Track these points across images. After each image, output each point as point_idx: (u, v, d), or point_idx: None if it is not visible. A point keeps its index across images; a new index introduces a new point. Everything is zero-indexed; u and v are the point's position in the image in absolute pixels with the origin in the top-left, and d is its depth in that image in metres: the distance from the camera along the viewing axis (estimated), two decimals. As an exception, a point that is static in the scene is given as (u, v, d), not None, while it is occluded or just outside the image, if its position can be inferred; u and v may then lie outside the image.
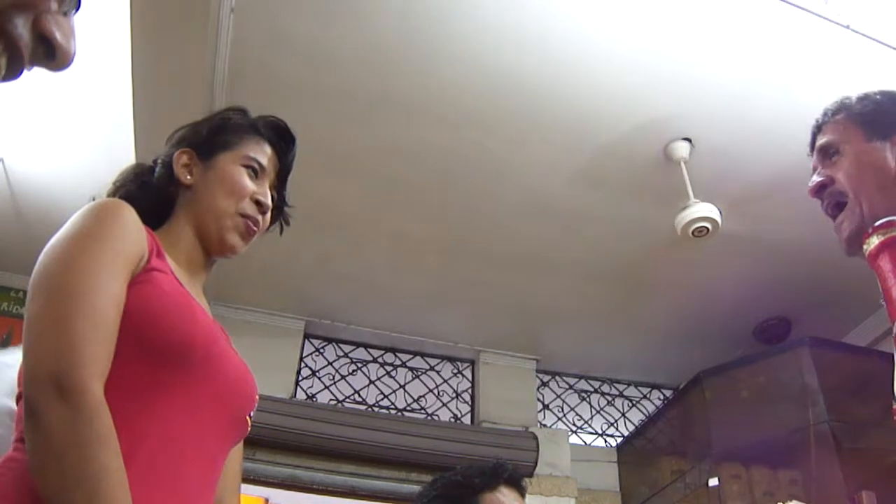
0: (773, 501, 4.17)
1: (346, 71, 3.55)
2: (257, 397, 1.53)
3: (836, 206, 1.60)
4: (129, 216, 1.39)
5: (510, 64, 3.53)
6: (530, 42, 3.43)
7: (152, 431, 1.26)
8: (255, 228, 1.65)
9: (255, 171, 1.66)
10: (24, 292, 4.86)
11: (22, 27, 0.66)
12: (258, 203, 1.64)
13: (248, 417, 1.50)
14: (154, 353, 1.30)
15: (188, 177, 1.62)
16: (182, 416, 1.32)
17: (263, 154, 1.70)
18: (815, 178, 1.65)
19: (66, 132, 3.96)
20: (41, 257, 1.29)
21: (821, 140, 1.68)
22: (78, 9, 0.74)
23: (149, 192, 1.62)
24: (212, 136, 1.67)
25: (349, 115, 3.76)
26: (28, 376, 1.15)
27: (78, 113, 3.86)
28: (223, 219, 1.60)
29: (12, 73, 0.68)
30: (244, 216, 1.61)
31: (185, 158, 1.63)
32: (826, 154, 1.65)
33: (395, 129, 3.86)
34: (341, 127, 3.80)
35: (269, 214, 1.68)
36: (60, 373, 1.13)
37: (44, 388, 1.12)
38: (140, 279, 1.34)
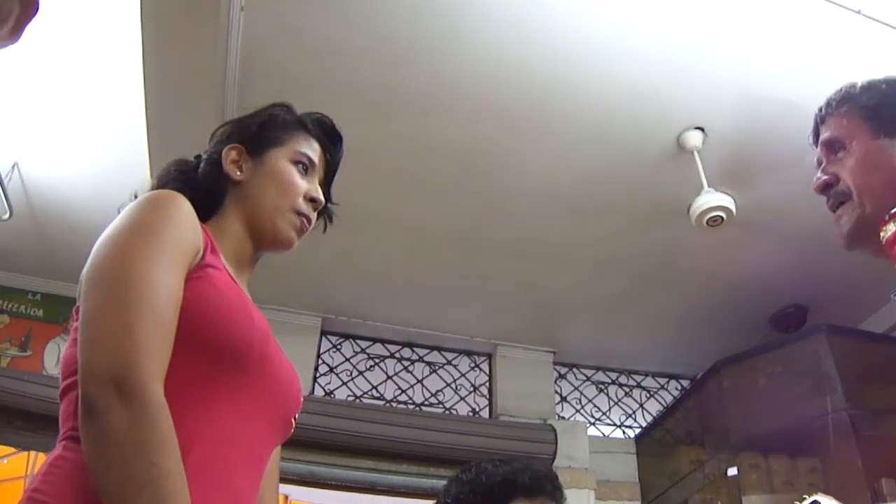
0: (793, 490, 4.17)
1: (358, 67, 3.55)
2: (302, 399, 1.54)
3: (841, 204, 1.58)
4: (186, 208, 1.37)
5: (522, 57, 3.52)
6: (542, 34, 3.43)
7: (205, 432, 1.25)
8: (309, 225, 1.67)
9: (306, 168, 1.68)
10: (42, 295, 4.93)
11: None
12: (312, 200, 1.66)
13: (293, 419, 1.50)
14: (210, 352, 1.29)
15: (238, 173, 1.62)
16: (234, 416, 1.31)
17: (313, 150, 1.72)
18: (821, 176, 1.62)
19: (80, 134, 3.98)
20: (96, 249, 1.28)
21: (825, 134, 1.65)
22: None
23: (194, 189, 1.60)
24: (261, 132, 1.67)
25: (362, 112, 3.76)
26: (87, 374, 1.13)
27: (91, 115, 3.88)
28: (277, 215, 1.60)
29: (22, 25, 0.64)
30: (299, 213, 1.63)
31: (234, 154, 1.63)
32: (831, 149, 1.62)
33: (409, 124, 3.86)
34: (355, 123, 3.79)
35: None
36: (122, 373, 1.11)
37: (105, 388, 1.10)
38: (195, 275, 1.33)
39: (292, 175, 1.64)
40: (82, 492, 1.12)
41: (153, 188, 1.60)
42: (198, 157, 1.70)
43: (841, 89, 1.68)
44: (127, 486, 1.06)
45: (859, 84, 1.68)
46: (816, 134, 1.69)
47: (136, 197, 1.56)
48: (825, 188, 1.61)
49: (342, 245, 4.64)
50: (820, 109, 1.69)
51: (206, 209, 1.60)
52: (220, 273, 1.40)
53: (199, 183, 1.63)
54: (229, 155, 1.63)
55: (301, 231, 1.65)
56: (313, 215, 1.68)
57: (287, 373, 1.47)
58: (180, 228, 1.32)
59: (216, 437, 1.27)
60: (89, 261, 1.27)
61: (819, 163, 1.65)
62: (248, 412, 1.34)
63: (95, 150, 4.02)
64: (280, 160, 1.65)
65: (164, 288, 1.23)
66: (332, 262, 4.80)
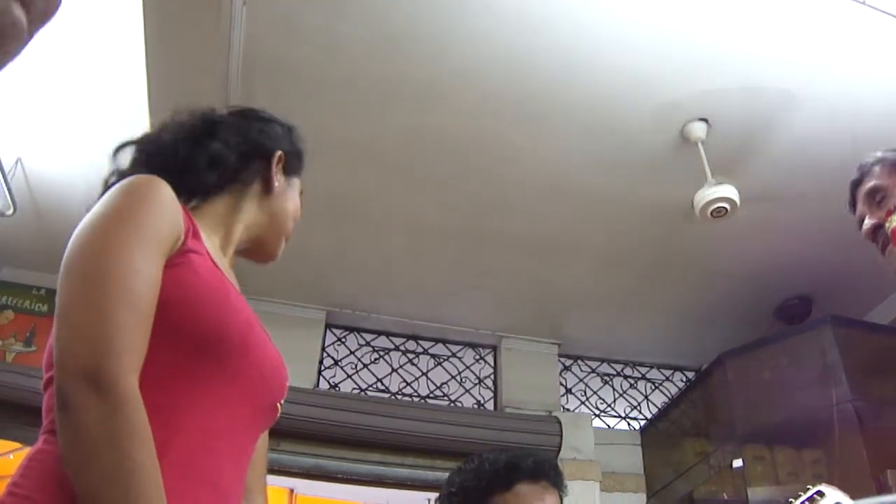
0: (798, 482, 4.17)
1: (359, 60, 3.55)
2: (288, 385, 1.52)
3: (886, 243, 1.69)
4: (166, 194, 1.34)
5: (524, 49, 3.52)
6: (544, 26, 3.42)
7: (187, 424, 1.24)
8: None
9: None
10: (46, 290, 4.93)
11: None
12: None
13: (278, 405, 1.48)
14: (189, 342, 1.27)
15: (276, 183, 1.63)
16: (216, 407, 1.30)
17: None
18: (869, 221, 1.72)
19: (83, 130, 3.98)
20: (73, 237, 1.25)
21: (865, 187, 1.75)
22: None
23: (207, 152, 1.57)
24: (298, 154, 1.72)
25: (364, 105, 3.76)
26: (61, 367, 1.11)
27: (94, 110, 3.88)
28: (282, 238, 1.66)
29: (26, 39, 0.61)
30: (286, 240, 1.69)
31: (278, 163, 1.65)
32: (873, 198, 1.72)
33: (411, 117, 3.86)
34: (356, 117, 3.80)
35: None
36: (96, 365, 1.09)
37: (78, 380, 1.09)
38: (175, 261, 1.30)
39: (299, 207, 1.70)
40: (60, 485, 1.11)
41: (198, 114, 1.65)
42: (222, 117, 1.68)
43: (870, 157, 1.81)
44: (100, 480, 1.06)
45: (886, 149, 1.81)
46: (853, 195, 1.81)
47: (114, 177, 1.55)
48: (874, 231, 1.71)
49: (346, 238, 4.64)
50: (854, 176, 1.81)
51: (204, 183, 1.57)
52: (203, 259, 1.37)
53: (224, 153, 1.58)
54: (280, 161, 1.65)
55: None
56: None
57: (272, 359, 1.44)
58: (159, 215, 1.30)
59: (198, 428, 1.26)
60: (67, 249, 1.24)
61: (861, 218, 1.76)
62: (232, 401, 1.33)
63: (98, 146, 4.00)
64: (296, 191, 1.70)
65: (141, 277, 1.20)
66: (337, 255, 4.81)
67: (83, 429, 1.08)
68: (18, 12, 0.59)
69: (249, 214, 1.59)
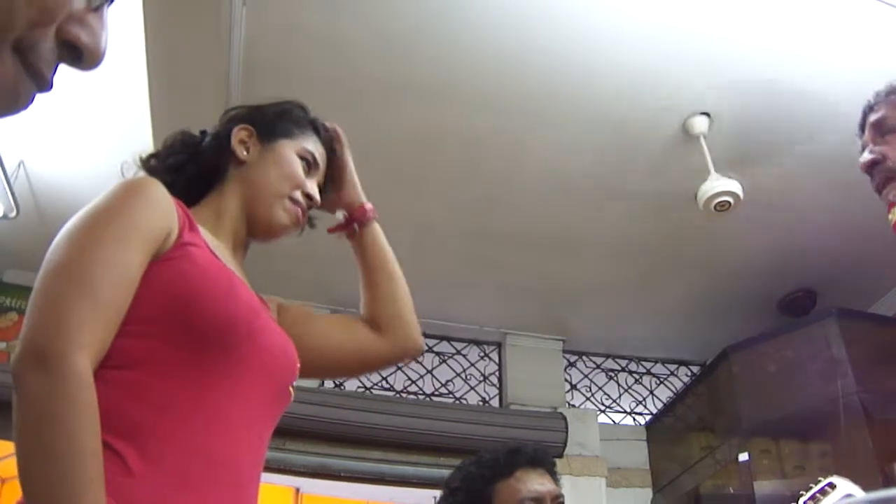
0: (804, 475, 4.16)
1: (361, 60, 3.55)
2: (299, 365, 1.53)
3: (886, 182, 1.60)
4: (154, 191, 1.36)
5: (525, 46, 3.51)
6: (545, 23, 3.41)
7: (202, 415, 1.25)
8: (303, 217, 1.68)
9: (309, 165, 1.69)
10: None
11: (45, 49, 0.59)
12: (308, 196, 1.67)
13: (290, 388, 1.50)
14: (197, 333, 1.28)
15: (244, 153, 1.63)
16: (229, 396, 1.31)
17: (319, 153, 1.74)
18: (867, 155, 1.64)
19: (85, 132, 3.99)
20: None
21: (874, 116, 1.67)
22: (112, 2, 0.68)
23: (196, 163, 1.63)
24: (275, 121, 1.70)
25: (366, 105, 3.76)
26: (16, 349, 1.11)
27: (96, 113, 3.88)
28: (275, 200, 1.62)
29: (33, 99, 0.62)
30: (294, 202, 1.64)
31: (243, 135, 1.65)
32: (879, 130, 1.65)
33: (413, 116, 3.85)
34: (358, 116, 3.79)
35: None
36: (43, 343, 1.10)
37: (26, 358, 1.09)
38: (172, 255, 1.32)
39: (296, 166, 1.66)
40: None
41: (158, 160, 1.64)
42: (203, 132, 1.72)
43: (889, 83, 1.72)
44: (40, 459, 1.04)
45: None
46: (863, 123, 1.72)
47: (140, 159, 1.59)
48: (872, 166, 1.63)
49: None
50: (869, 100, 1.72)
51: (204, 185, 1.63)
52: (201, 251, 1.39)
53: (201, 156, 1.65)
54: (238, 134, 1.65)
55: (295, 221, 1.66)
56: (307, 210, 1.69)
57: (279, 342, 1.47)
58: (141, 209, 1.30)
59: (214, 419, 1.27)
60: None
61: (864, 146, 1.68)
62: (244, 390, 1.34)
63: (101, 148, 4.02)
64: (287, 150, 1.66)
65: (102, 265, 1.21)
66: (341, 254, 4.76)
67: (25, 404, 1.07)
68: (25, 86, 0.59)
69: (235, 194, 1.61)
